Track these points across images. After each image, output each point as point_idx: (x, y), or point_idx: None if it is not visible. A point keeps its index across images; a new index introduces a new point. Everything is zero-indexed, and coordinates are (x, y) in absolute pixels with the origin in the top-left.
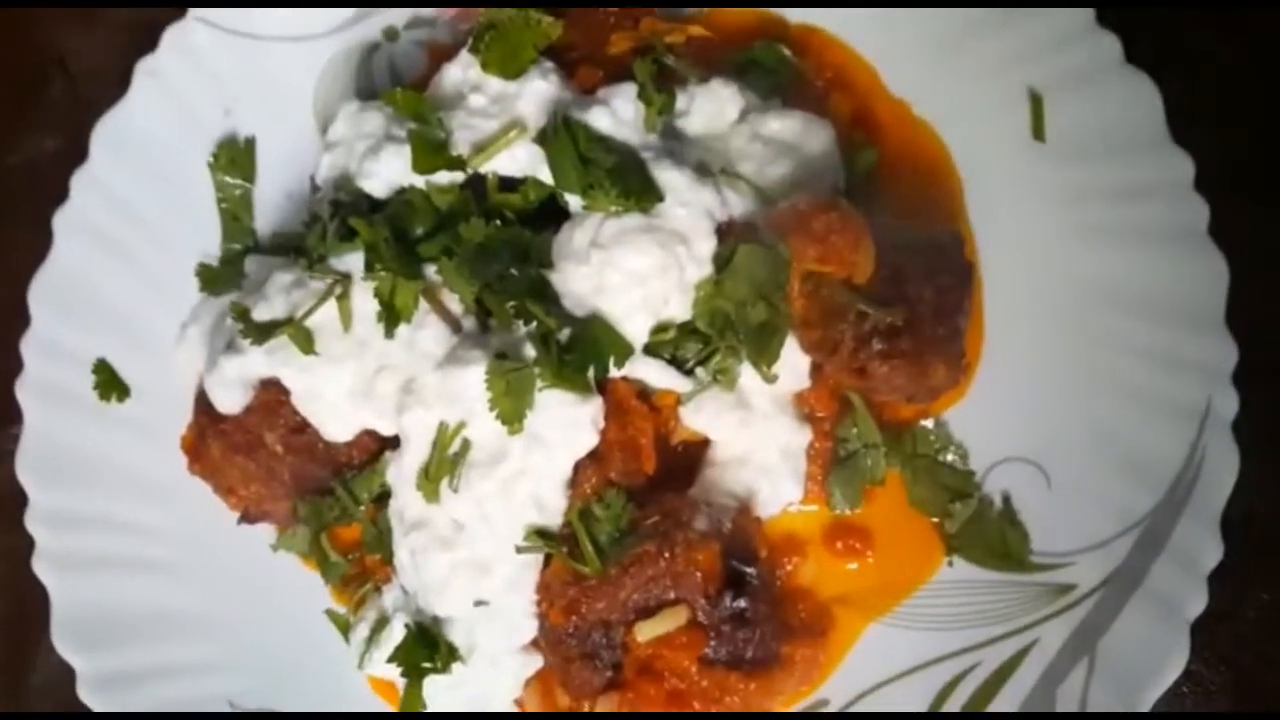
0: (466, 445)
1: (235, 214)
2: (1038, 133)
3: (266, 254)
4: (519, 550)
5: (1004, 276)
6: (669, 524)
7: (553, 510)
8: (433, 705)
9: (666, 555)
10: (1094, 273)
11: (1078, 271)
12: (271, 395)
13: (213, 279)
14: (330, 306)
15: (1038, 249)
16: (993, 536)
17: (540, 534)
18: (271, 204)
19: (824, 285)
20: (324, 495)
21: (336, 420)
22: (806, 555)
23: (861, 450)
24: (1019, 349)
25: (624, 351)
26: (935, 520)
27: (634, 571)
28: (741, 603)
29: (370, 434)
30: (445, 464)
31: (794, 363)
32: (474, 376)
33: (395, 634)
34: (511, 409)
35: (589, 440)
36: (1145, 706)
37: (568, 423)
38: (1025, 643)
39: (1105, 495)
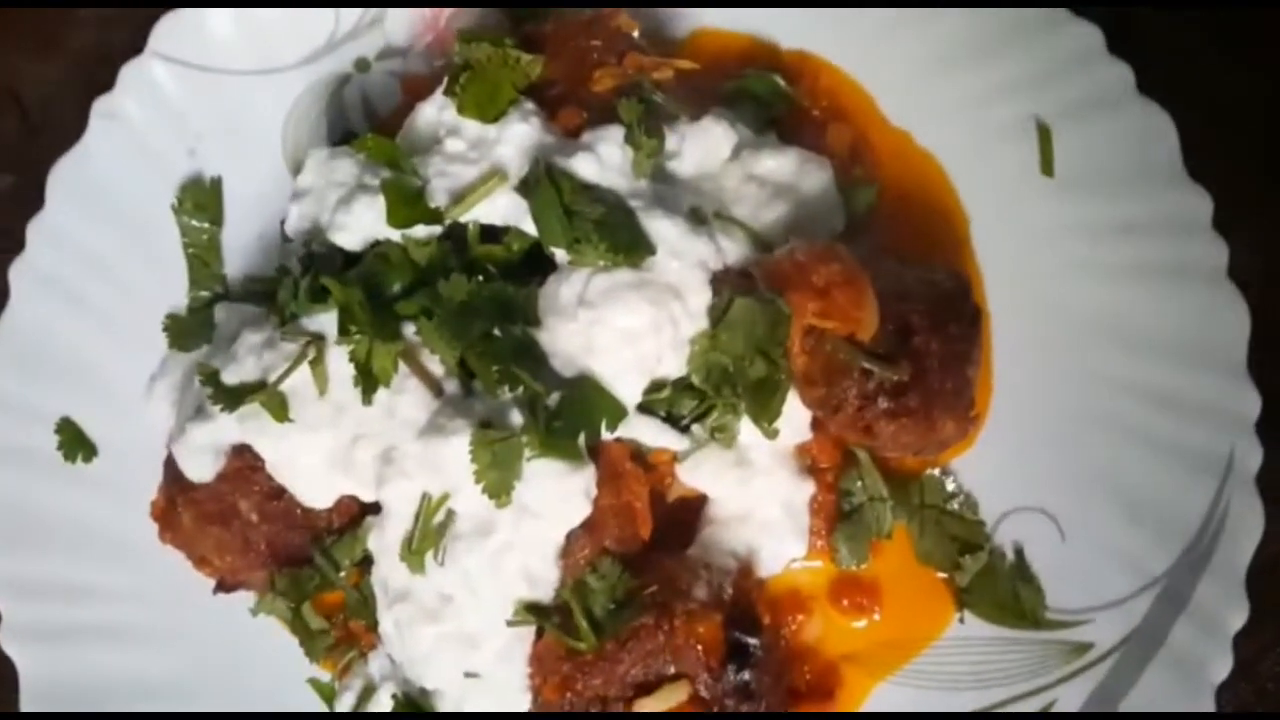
0: (451, 517)
1: (203, 259)
2: (1046, 167)
3: (238, 301)
4: (509, 624)
5: (1012, 318)
6: (667, 594)
7: (544, 583)
8: None
9: (666, 628)
10: (1108, 314)
11: (1091, 313)
12: (244, 461)
13: (181, 333)
14: (304, 370)
15: (1048, 289)
16: (1005, 591)
17: (531, 608)
18: (241, 247)
19: (826, 341)
20: (303, 563)
21: (314, 488)
22: (811, 612)
23: (867, 503)
24: (1029, 394)
25: (616, 414)
26: (945, 574)
27: (632, 646)
28: (745, 675)
29: (352, 496)
30: (429, 536)
31: (795, 416)
32: (458, 447)
33: (383, 703)
34: (498, 481)
35: (581, 510)
36: None
37: (559, 493)
38: (1042, 704)
39: (1122, 550)
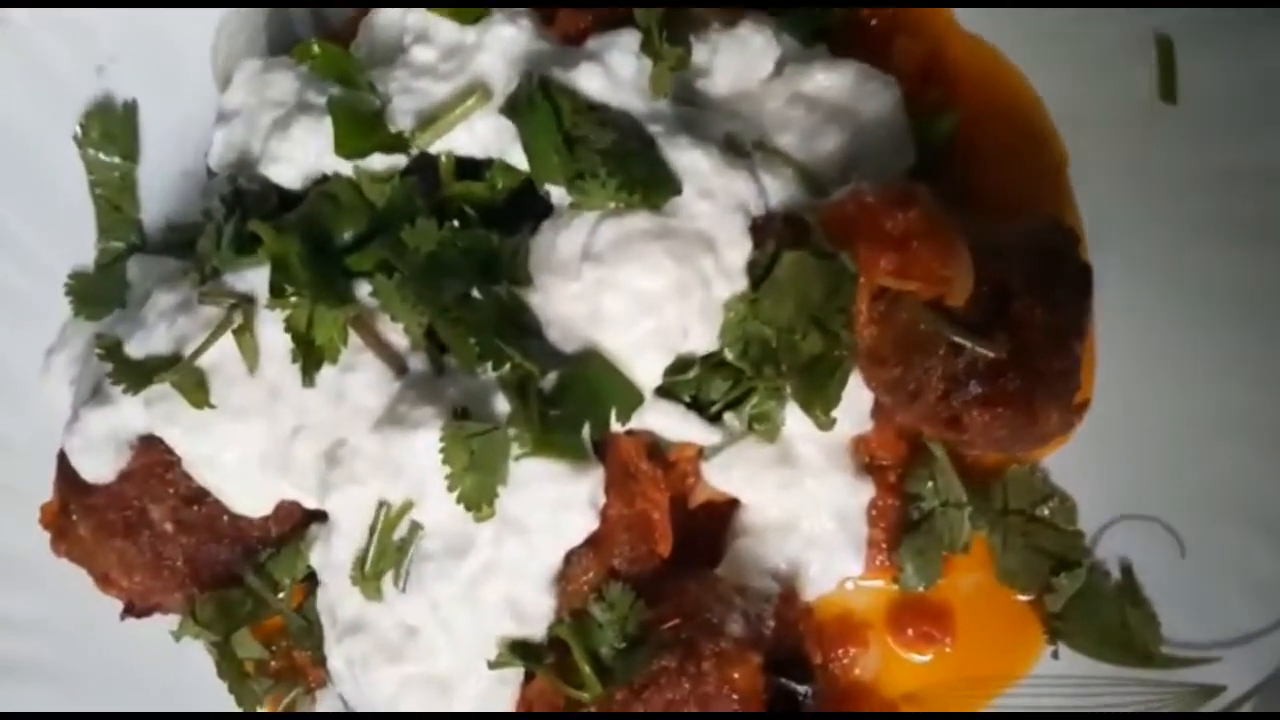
0: (416, 532)
1: (113, 202)
2: (1166, 91)
3: (157, 254)
4: (491, 666)
5: (1120, 283)
6: (693, 628)
7: (536, 616)
8: None
9: (692, 673)
10: (1241, 278)
11: (1219, 276)
12: (154, 457)
13: (86, 295)
14: (228, 341)
15: (1166, 246)
16: (1109, 619)
17: (519, 647)
18: (161, 189)
19: (903, 307)
20: (232, 584)
21: (243, 491)
22: (868, 644)
23: (939, 510)
24: (1142, 376)
25: (630, 402)
26: (1033, 597)
27: (649, 696)
28: None
29: (293, 501)
30: (387, 555)
31: (855, 402)
32: (424, 443)
33: None
34: (478, 488)
35: (585, 525)
36: None
37: (556, 503)
38: None
39: (1258, 572)
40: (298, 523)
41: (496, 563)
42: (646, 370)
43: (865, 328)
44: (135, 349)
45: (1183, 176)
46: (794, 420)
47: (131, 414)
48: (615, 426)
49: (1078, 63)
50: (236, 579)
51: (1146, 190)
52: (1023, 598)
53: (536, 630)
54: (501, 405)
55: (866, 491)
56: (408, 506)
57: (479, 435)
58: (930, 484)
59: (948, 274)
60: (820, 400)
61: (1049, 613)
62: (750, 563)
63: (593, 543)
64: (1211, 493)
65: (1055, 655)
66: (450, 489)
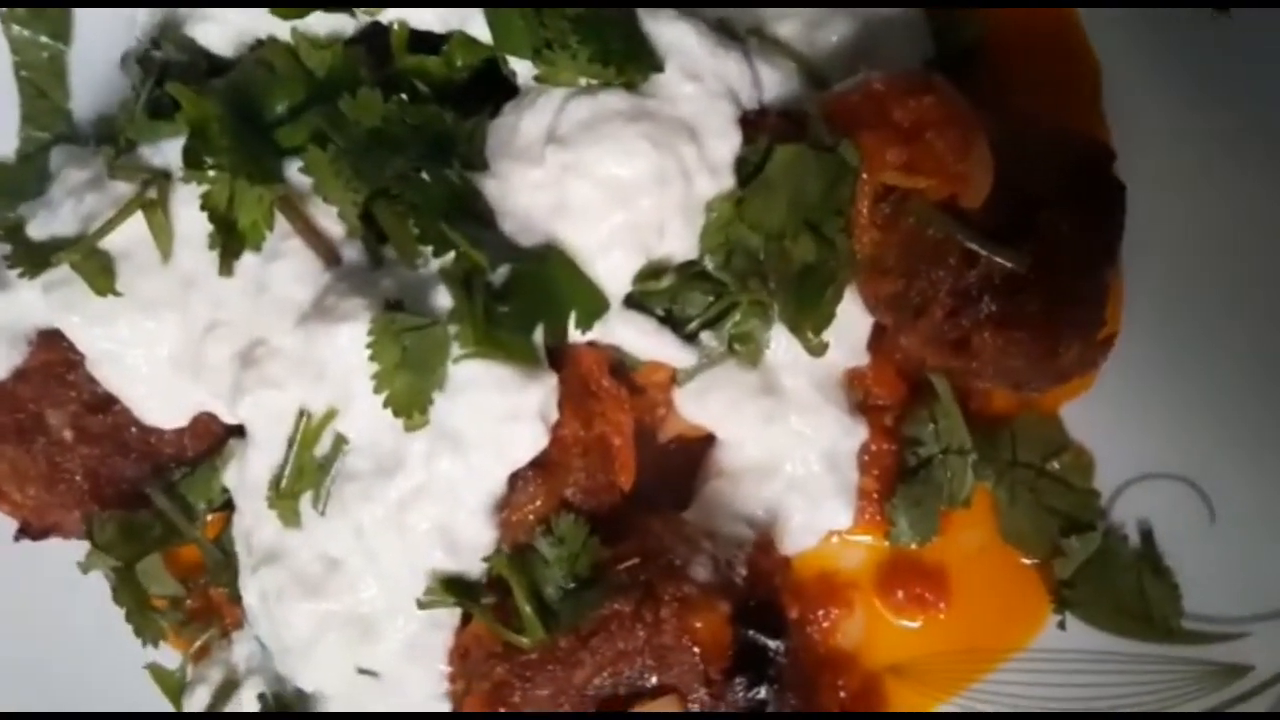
0: (340, 446)
1: (40, 88)
2: None
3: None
4: (421, 605)
5: (1155, 210)
6: (653, 571)
7: (473, 548)
8: None
9: (649, 620)
10: None
11: (1267, 205)
12: (55, 354)
13: (3, 185)
14: (141, 225)
15: (1209, 171)
16: (1125, 588)
17: (453, 584)
18: (95, 76)
19: (910, 209)
20: (139, 505)
21: (153, 398)
22: (852, 606)
23: (939, 458)
24: (1174, 317)
25: (594, 307)
26: (1039, 561)
27: (597, 644)
28: (760, 692)
29: (211, 415)
30: (307, 474)
31: (850, 326)
32: (350, 338)
33: (244, 704)
34: (409, 391)
35: (533, 441)
36: None
37: (500, 414)
38: None
39: None
40: (218, 442)
41: (429, 484)
42: (614, 272)
43: (865, 232)
44: (37, 230)
45: (1232, 92)
46: (780, 346)
47: (30, 303)
48: (575, 335)
49: None
50: (145, 500)
51: (1188, 106)
52: (1028, 561)
53: (473, 565)
54: (443, 301)
55: (859, 433)
56: (331, 415)
57: (414, 330)
58: (931, 427)
59: (963, 170)
60: (811, 318)
61: (1057, 579)
62: (724, 507)
63: (542, 467)
64: (1247, 452)
65: (1062, 626)
66: (377, 390)
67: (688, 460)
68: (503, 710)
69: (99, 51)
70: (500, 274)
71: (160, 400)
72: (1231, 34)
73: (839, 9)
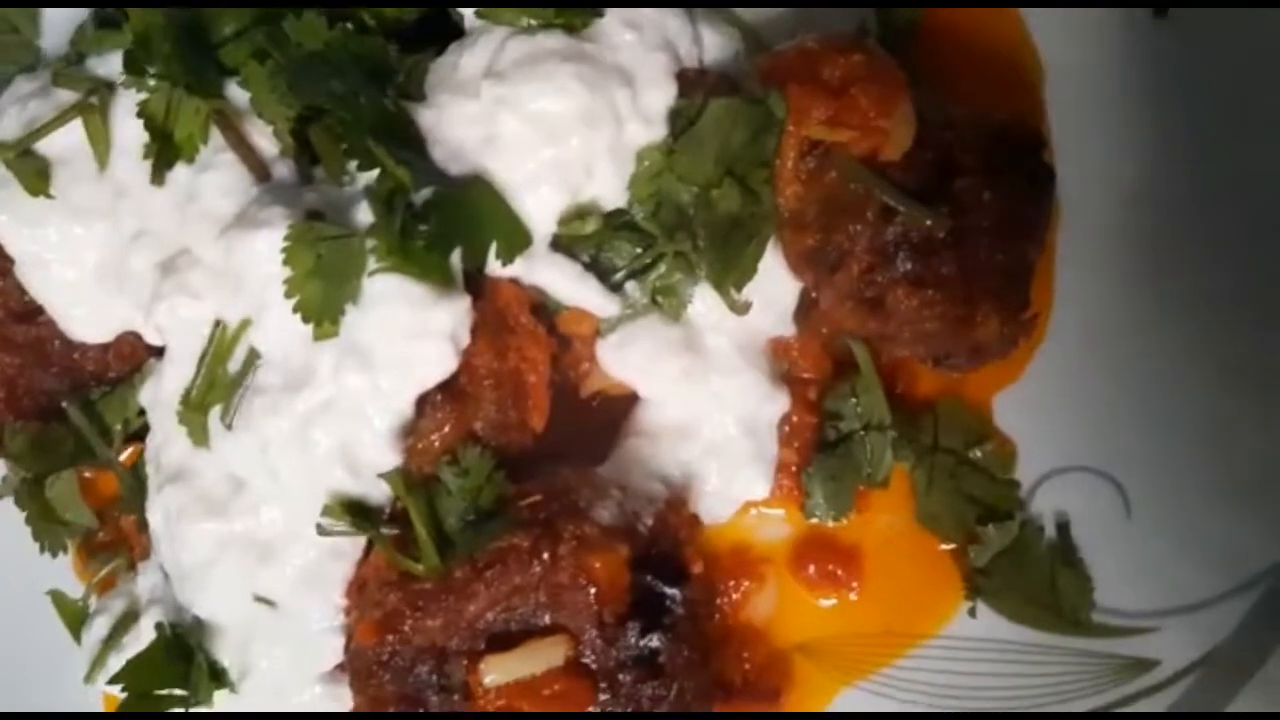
0: (252, 360)
1: (12, 22)
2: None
3: None
4: (320, 532)
5: (1090, 208)
6: (555, 509)
7: (375, 471)
8: None
9: (545, 556)
10: (1226, 219)
11: (1198, 204)
12: None
13: None
14: (80, 135)
15: (1144, 170)
16: (1038, 579)
17: (353, 507)
18: (69, 17)
19: (834, 164)
20: (53, 419)
21: (77, 309)
22: (764, 579)
23: (860, 434)
24: (1102, 315)
25: (516, 238)
26: (954, 547)
27: (492, 577)
28: (654, 640)
29: (137, 336)
30: (218, 387)
31: (775, 290)
32: (267, 245)
33: (142, 634)
34: (320, 298)
35: (441, 362)
36: None
37: (412, 331)
38: None
39: (1209, 537)
40: (141, 364)
41: (336, 400)
42: (540, 208)
43: (789, 185)
44: None
45: (1169, 95)
46: (705, 305)
47: None
48: (495, 266)
49: None
50: (61, 415)
51: (1127, 110)
52: (944, 547)
53: (375, 490)
54: (365, 218)
55: (781, 402)
56: (244, 326)
57: (331, 240)
58: (852, 401)
59: (885, 125)
60: (734, 272)
61: (972, 567)
62: (639, 464)
63: (453, 397)
64: (1165, 449)
65: (973, 614)
66: (288, 295)
67: (609, 420)
68: (391, 639)
69: None
70: (424, 195)
71: (85, 312)
72: (1170, 37)
73: None
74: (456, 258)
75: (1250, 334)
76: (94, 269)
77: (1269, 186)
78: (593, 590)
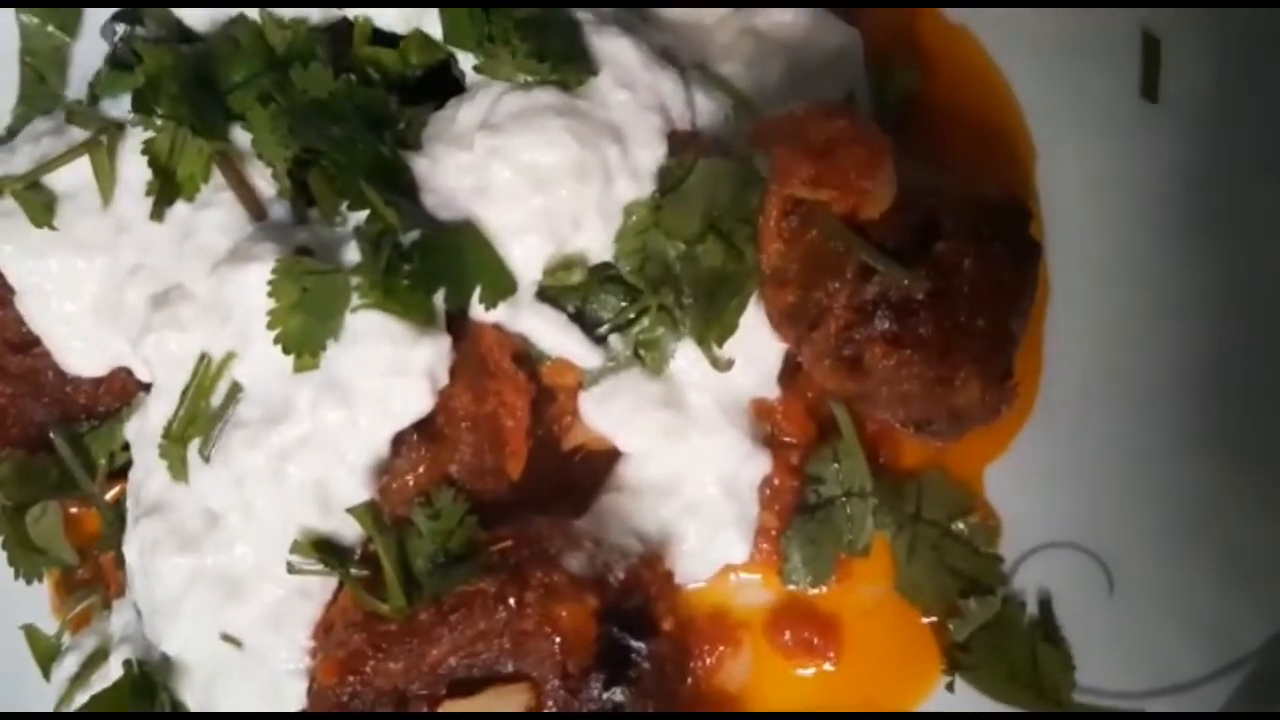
0: (236, 394)
1: (41, 73)
2: (1149, 89)
3: None
4: (290, 570)
5: (1081, 285)
6: (525, 555)
7: (348, 506)
8: None
9: (511, 601)
10: (1214, 288)
11: (1191, 285)
12: None
13: None
14: (88, 172)
15: (1135, 250)
16: (1019, 655)
17: (324, 545)
18: (94, 68)
19: (815, 221)
20: (41, 450)
21: (73, 341)
22: (739, 645)
23: (841, 500)
24: (1090, 390)
25: (501, 285)
26: (935, 620)
27: (457, 620)
28: (617, 694)
29: (129, 371)
30: (200, 420)
31: (759, 350)
32: (256, 278)
33: (111, 671)
34: (302, 331)
35: (418, 400)
36: None
37: (391, 367)
38: None
39: (1195, 615)
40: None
41: (313, 435)
42: (527, 255)
43: (772, 242)
44: None
45: (1159, 176)
46: (688, 361)
47: None
48: (478, 310)
49: (1056, 53)
50: (49, 446)
51: (1119, 187)
52: (924, 620)
53: (346, 527)
54: (353, 256)
55: (763, 464)
56: (229, 359)
57: (317, 274)
58: (834, 466)
59: (866, 186)
60: (717, 326)
61: (951, 640)
62: (618, 520)
63: (429, 438)
64: (1150, 528)
65: (950, 689)
66: (270, 326)
67: (591, 475)
68: (352, 680)
69: (102, 48)
70: (411, 236)
71: (81, 345)
72: (1160, 121)
73: (778, 55)
74: (439, 298)
75: (1238, 413)
76: (91, 302)
77: (1261, 270)
78: (558, 639)
